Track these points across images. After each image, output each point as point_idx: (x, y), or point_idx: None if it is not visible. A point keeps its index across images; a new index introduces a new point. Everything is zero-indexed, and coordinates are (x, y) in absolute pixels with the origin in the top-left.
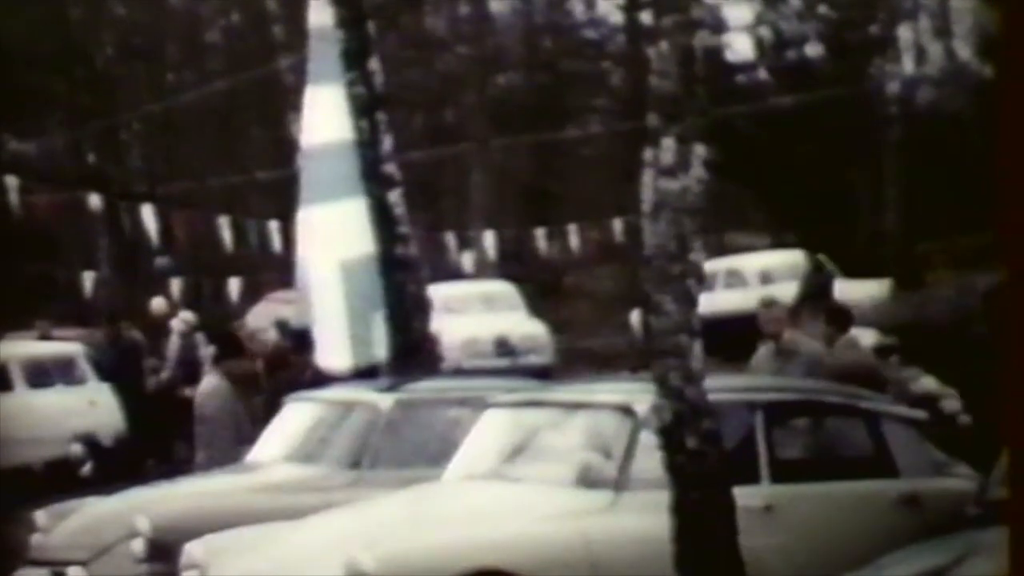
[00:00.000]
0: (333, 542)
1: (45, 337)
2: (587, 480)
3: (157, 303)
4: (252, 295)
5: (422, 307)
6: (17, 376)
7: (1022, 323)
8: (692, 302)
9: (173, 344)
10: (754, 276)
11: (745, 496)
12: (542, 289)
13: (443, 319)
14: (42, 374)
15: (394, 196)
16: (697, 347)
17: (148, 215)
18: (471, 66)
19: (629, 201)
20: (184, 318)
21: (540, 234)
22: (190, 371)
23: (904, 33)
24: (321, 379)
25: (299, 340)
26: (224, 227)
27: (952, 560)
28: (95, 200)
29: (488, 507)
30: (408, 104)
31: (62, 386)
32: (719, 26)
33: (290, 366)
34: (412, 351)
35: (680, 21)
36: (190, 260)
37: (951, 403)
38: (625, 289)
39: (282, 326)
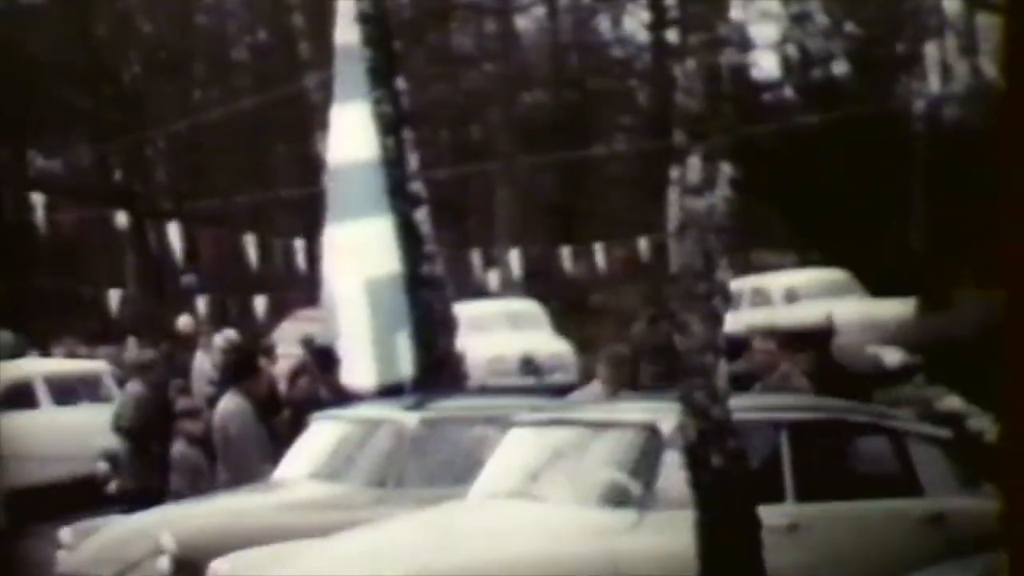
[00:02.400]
0: (358, 560)
1: (72, 355)
2: (612, 499)
3: (184, 321)
4: (278, 313)
5: (448, 325)
6: (43, 393)
7: (1021, 336)
8: (718, 321)
9: (211, 362)
10: (780, 295)
11: (770, 515)
12: (567, 307)
13: (468, 337)
14: (68, 391)
15: (420, 214)
16: (723, 366)
17: (174, 232)
18: (497, 84)
19: (655, 219)
20: (228, 336)
21: (566, 252)
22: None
23: (930, 51)
24: (346, 397)
25: (324, 357)
26: (250, 245)
27: None
28: (121, 217)
29: (513, 526)
30: (434, 122)
31: (88, 403)
32: (745, 44)
33: (313, 384)
34: (437, 369)
35: (706, 39)
36: (216, 278)
37: (977, 422)
38: (652, 308)
39: (308, 343)
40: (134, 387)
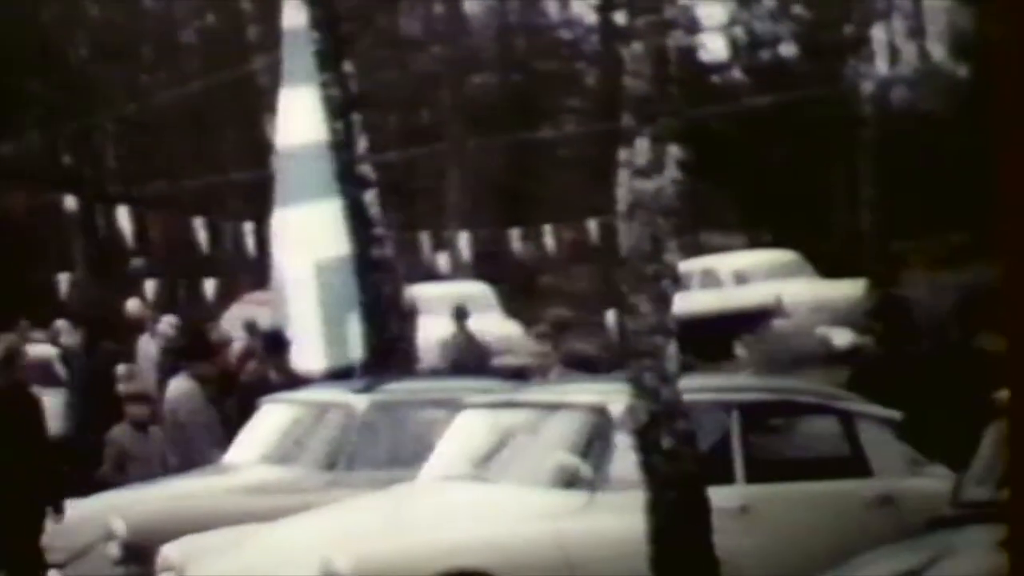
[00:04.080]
0: (309, 543)
1: (26, 339)
2: (563, 481)
3: (132, 304)
4: (227, 296)
5: (405, 309)
6: None
7: (1021, 322)
8: (667, 303)
9: (153, 346)
10: (729, 276)
11: (720, 496)
12: (517, 289)
13: (418, 319)
14: None
15: (369, 197)
16: (672, 348)
17: (123, 216)
18: (446, 67)
19: (604, 202)
20: (169, 321)
21: (515, 234)
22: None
23: (878, 33)
24: (296, 380)
25: (273, 341)
26: (199, 228)
27: (926, 561)
28: (70, 201)
29: (464, 508)
30: (382, 105)
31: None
32: (693, 26)
33: (262, 367)
34: (387, 352)
35: (653, 21)
36: (165, 261)
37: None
38: (600, 289)
39: (253, 327)
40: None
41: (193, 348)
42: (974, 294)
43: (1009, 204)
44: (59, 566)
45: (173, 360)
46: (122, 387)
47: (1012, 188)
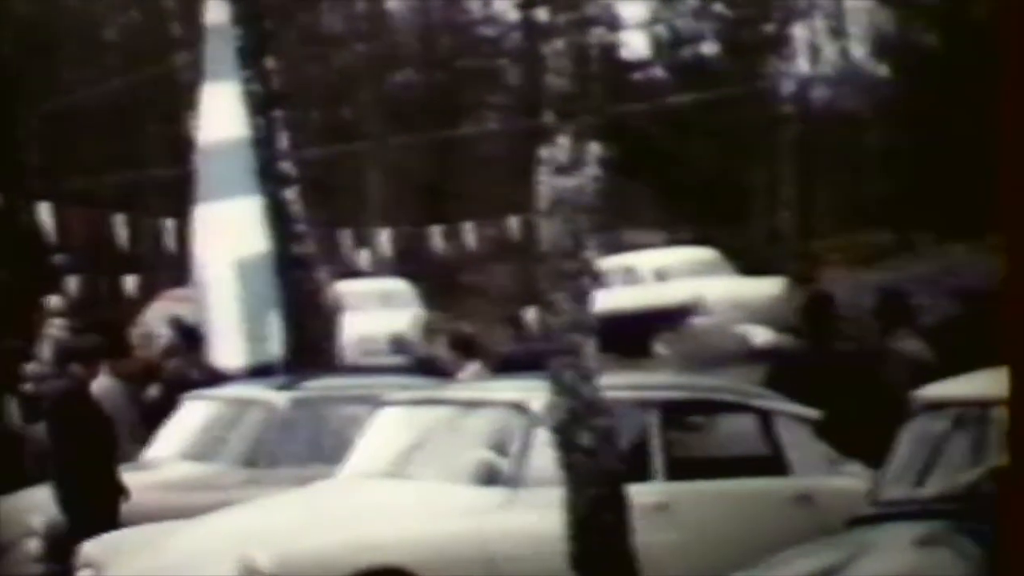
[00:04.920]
0: (229, 540)
1: None
2: (483, 478)
3: (54, 302)
4: (149, 293)
5: (329, 306)
6: None
7: (1021, 322)
8: (587, 300)
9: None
10: (649, 273)
11: (639, 494)
12: (438, 287)
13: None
14: None
15: (290, 194)
16: (591, 345)
17: (45, 213)
18: (367, 63)
19: (525, 199)
20: (59, 324)
21: (436, 232)
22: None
23: (799, 32)
24: (217, 377)
25: (191, 338)
26: (120, 225)
27: (844, 558)
28: None
29: (384, 505)
30: (304, 101)
31: None
32: (614, 24)
33: (183, 364)
34: (308, 349)
35: (575, 19)
36: (87, 258)
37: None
38: (521, 287)
39: (176, 324)
40: None
41: (111, 345)
42: (893, 293)
43: (1010, 204)
44: None
45: (65, 361)
46: (30, 386)
47: (1013, 188)
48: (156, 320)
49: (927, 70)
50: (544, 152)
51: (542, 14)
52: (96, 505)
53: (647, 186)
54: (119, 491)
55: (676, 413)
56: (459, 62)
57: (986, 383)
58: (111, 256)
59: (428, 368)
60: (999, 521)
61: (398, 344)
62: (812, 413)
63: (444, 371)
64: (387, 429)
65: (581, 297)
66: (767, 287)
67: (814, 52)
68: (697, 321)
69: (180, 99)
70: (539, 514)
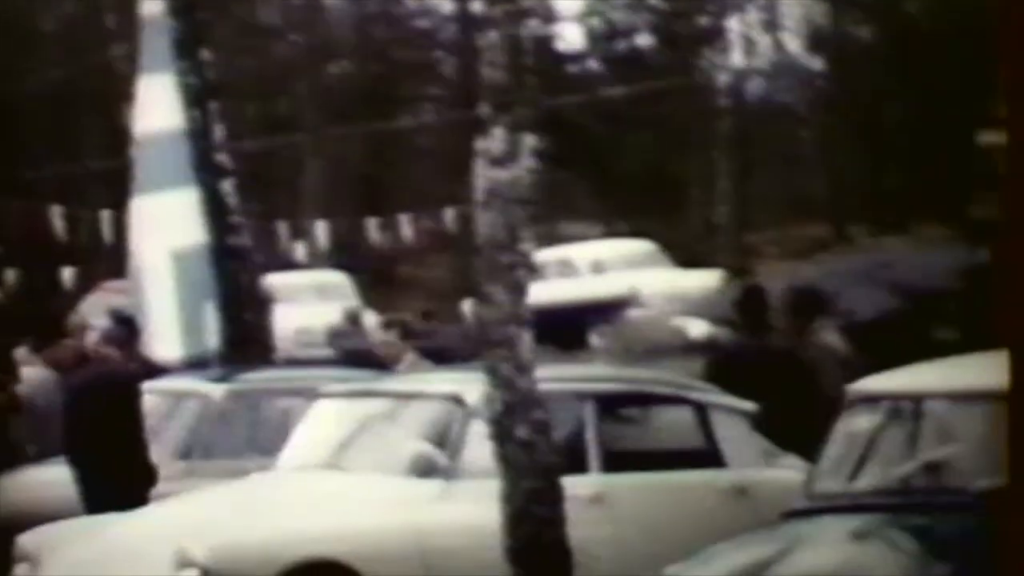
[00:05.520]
0: (164, 532)
1: None
2: (419, 469)
3: None
4: (85, 285)
5: (260, 298)
6: None
7: (1021, 322)
8: (522, 292)
9: None
10: (586, 265)
11: (575, 486)
12: (375, 279)
13: (276, 308)
14: None
15: (226, 185)
16: (527, 337)
17: None
18: (304, 55)
19: (461, 191)
20: None
21: (372, 224)
22: None
23: (734, 25)
24: (153, 369)
25: (127, 330)
26: (57, 216)
27: (779, 551)
28: None
29: (320, 497)
30: (240, 93)
31: None
32: (550, 16)
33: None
34: (244, 341)
35: (510, 10)
36: (23, 249)
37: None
38: (458, 279)
39: (113, 315)
40: None
41: (44, 335)
42: (806, 289)
43: (1010, 205)
44: None
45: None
46: None
47: (1014, 189)
48: (93, 311)
49: (861, 63)
50: (480, 144)
51: (477, 6)
52: (124, 491)
53: (583, 178)
54: (149, 475)
55: (612, 405)
56: (395, 54)
57: (920, 376)
58: (48, 248)
59: (359, 360)
60: (999, 514)
61: (333, 336)
62: (748, 406)
63: (378, 363)
64: (324, 421)
65: (517, 289)
66: (703, 280)
67: (749, 45)
68: (633, 313)
69: (117, 90)
70: (475, 506)
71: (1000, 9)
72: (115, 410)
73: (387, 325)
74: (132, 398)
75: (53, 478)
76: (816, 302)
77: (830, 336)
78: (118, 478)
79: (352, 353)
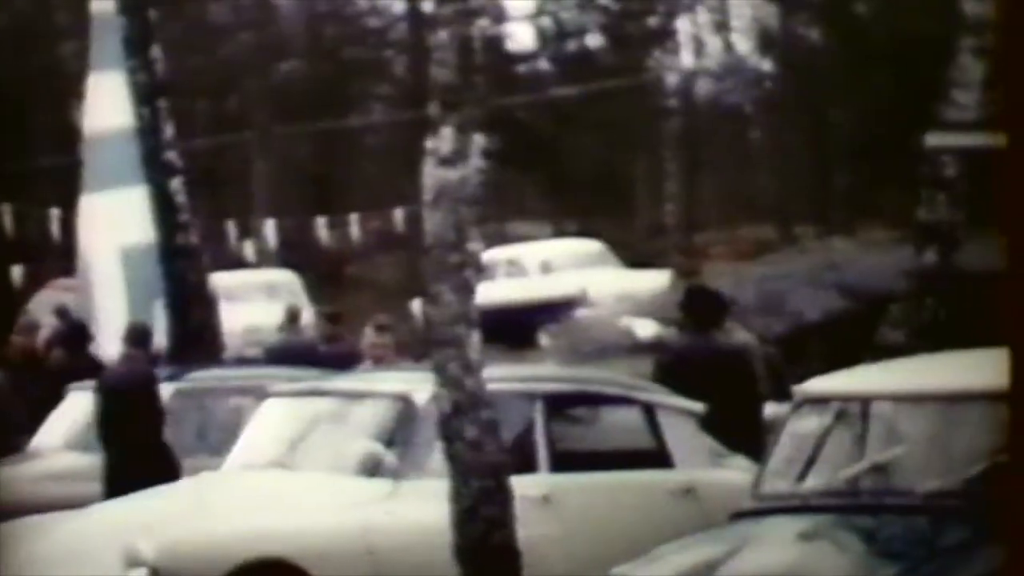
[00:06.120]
0: (113, 531)
1: None
2: (367, 469)
3: None
4: (34, 283)
5: (203, 296)
6: None
7: (1021, 321)
8: (470, 292)
9: None
10: (535, 265)
11: (523, 485)
12: (324, 278)
13: (225, 307)
14: None
15: (175, 184)
16: (475, 337)
17: None
18: (254, 54)
19: (411, 190)
20: None
21: (322, 223)
22: None
23: (683, 26)
24: (103, 368)
25: (75, 328)
26: (6, 214)
27: (727, 551)
28: None
29: (268, 496)
30: (190, 91)
31: None
32: (500, 15)
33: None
34: (193, 339)
35: (459, 10)
36: None
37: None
38: (407, 279)
39: (62, 313)
40: None
41: None
42: (702, 291)
43: (1011, 205)
44: None
45: None
46: None
47: (1014, 190)
48: (42, 309)
49: (810, 65)
50: (429, 143)
51: (428, 5)
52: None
53: (532, 178)
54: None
55: (560, 405)
56: (345, 53)
57: (868, 378)
58: None
59: (298, 358)
60: (999, 508)
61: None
62: (696, 406)
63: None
64: (272, 420)
65: (465, 289)
66: (652, 280)
67: (698, 46)
68: (582, 313)
69: (66, 88)
70: (423, 505)
71: (1000, 10)
72: (141, 405)
73: (379, 328)
74: (155, 395)
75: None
76: (714, 304)
77: (742, 335)
78: (142, 468)
79: (289, 351)
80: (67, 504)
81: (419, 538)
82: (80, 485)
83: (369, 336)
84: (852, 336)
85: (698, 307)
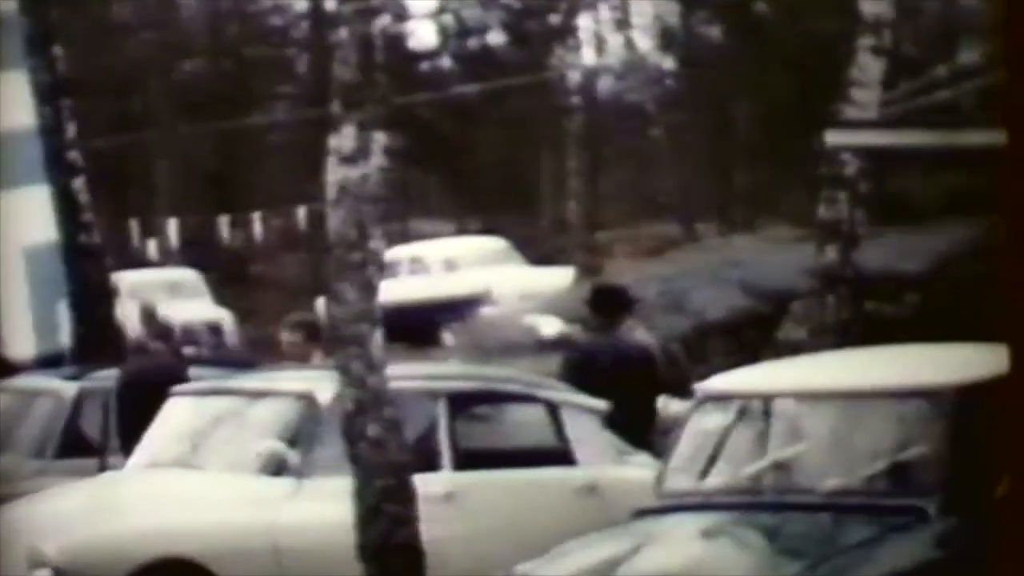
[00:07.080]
0: (17, 532)
1: None
2: (270, 468)
3: None
4: None
5: (105, 295)
6: None
7: (1021, 321)
8: (373, 290)
9: None
10: (438, 263)
11: (427, 484)
12: (227, 277)
13: (127, 306)
14: None
15: (78, 183)
16: (378, 335)
17: None
18: (156, 52)
19: (314, 189)
20: None
21: (224, 222)
22: None
23: (585, 23)
24: (6, 367)
25: None
26: None
27: (629, 549)
28: None
29: (172, 495)
30: (93, 90)
31: None
32: (401, 13)
33: None
34: (96, 339)
35: (361, 8)
36: None
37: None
38: (311, 277)
39: None
40: None
41: None
42: (609, 288)
43: (1010, 205)
44: None
45: None
46: None
47: (1013, 190)
48: None
49: (711, 63)
50: (331, 141)
51: (330, 4)
52: None
53: (435, 176)
54: None
55: (464, 404)
56: (248, 51)
57: (770, 376)
58: None
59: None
60: (1000, 506)
61: (187, 334)
62: (600, 404)
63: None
64: (176, 419)
65: (367, 287)
66: (556, 277)
67: (600, 43)
68: (486, 311)
69: None
70: (326, 504)
71: (1000, 10)
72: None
73: (293, 327)
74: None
75: None
76: (620, 301)
77: (640, 334)
78: None
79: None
80: None
81: (323, 537)
82: None
83: (285, 336)
84: (754, 334)
85: (605, 304)
